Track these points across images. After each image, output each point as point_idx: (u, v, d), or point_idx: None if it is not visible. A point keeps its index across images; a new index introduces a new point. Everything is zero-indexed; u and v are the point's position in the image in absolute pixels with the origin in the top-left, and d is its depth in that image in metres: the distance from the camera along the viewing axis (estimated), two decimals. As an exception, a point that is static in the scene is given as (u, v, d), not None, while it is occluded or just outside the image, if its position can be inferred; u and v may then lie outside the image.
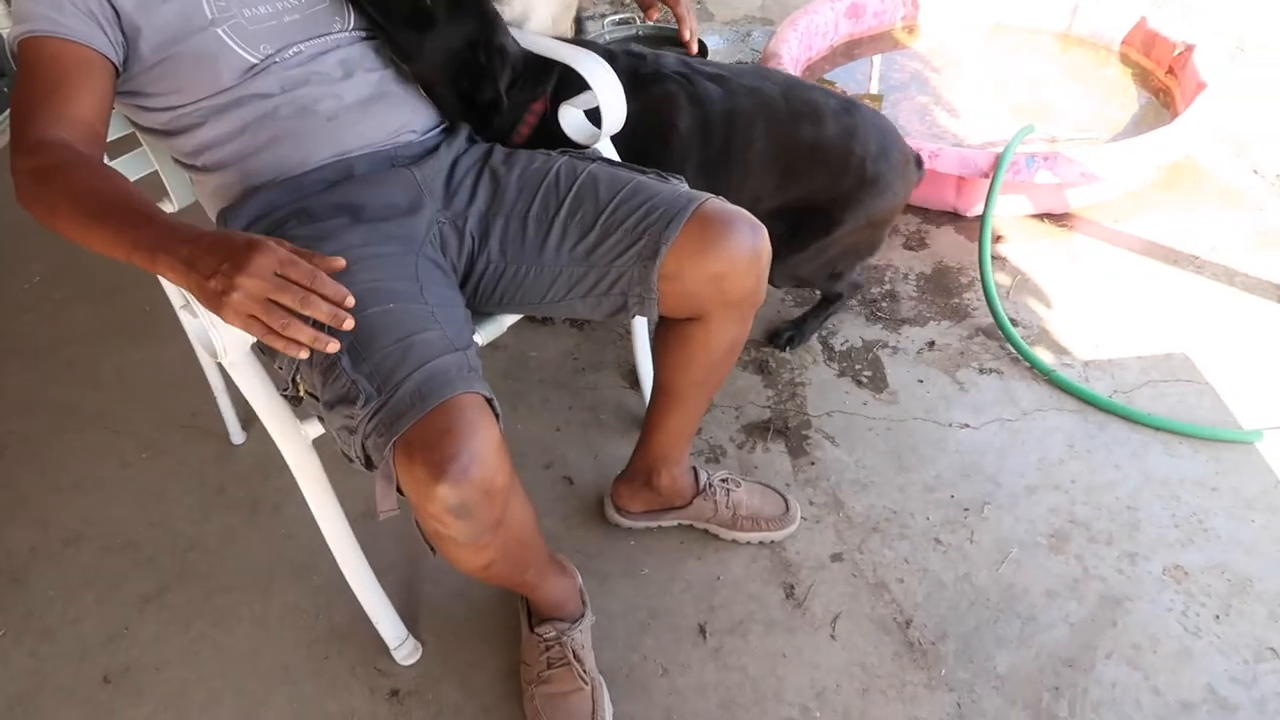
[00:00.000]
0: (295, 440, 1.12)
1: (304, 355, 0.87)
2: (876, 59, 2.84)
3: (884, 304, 2.00)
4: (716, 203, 1.18)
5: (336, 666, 1.43)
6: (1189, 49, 2.44)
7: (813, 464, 1.67)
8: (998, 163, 2.01)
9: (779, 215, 1.56)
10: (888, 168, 1.60)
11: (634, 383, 1.83)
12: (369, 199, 1.18)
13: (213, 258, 0.85)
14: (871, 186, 1.60)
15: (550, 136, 1.40)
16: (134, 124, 1.28)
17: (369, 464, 1.00)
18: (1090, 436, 1.69)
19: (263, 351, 1.11)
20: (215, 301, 0.85)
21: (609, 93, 1.33)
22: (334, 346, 0.88)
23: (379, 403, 0.96)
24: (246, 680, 1.42)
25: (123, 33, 1.13)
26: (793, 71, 2.44)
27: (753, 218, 1.19)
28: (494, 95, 1.32)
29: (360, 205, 1.17)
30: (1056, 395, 1.76)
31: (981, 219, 1.97)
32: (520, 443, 1.74)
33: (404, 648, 1.40)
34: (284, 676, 1.42)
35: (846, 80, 2.75)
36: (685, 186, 1.24)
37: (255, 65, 1.18)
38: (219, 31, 1.16)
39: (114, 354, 2.01)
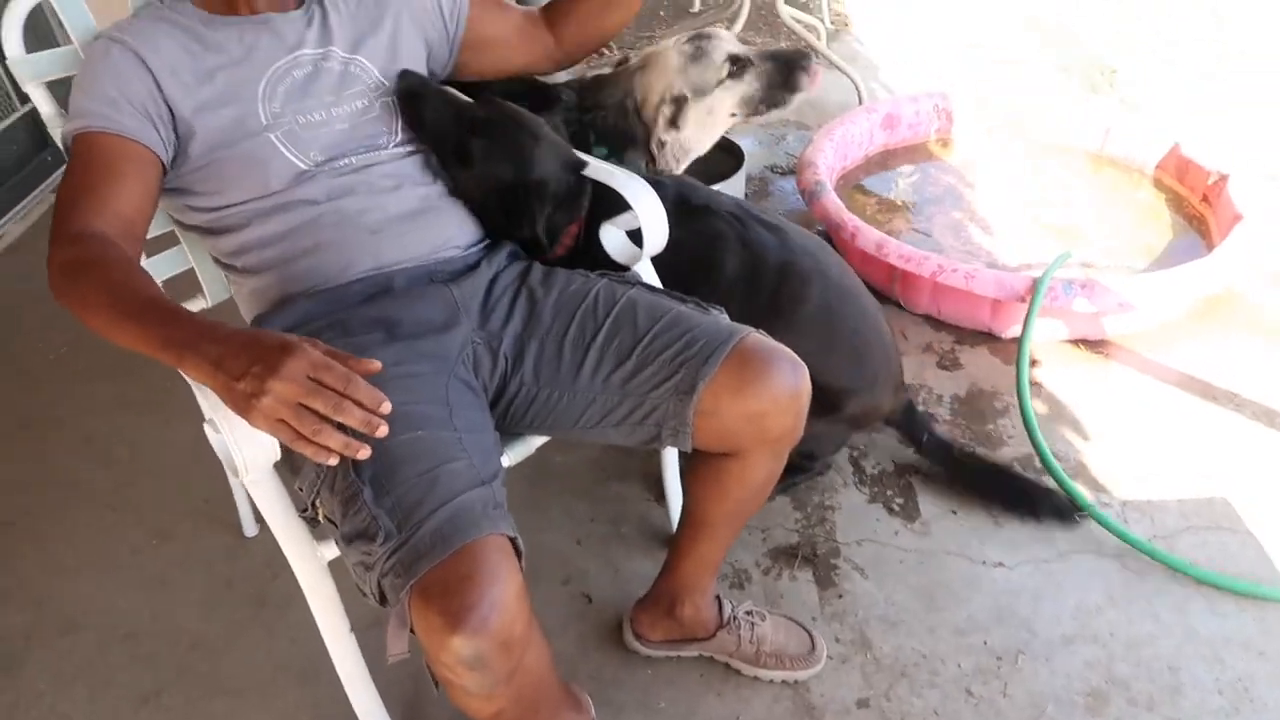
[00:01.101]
0: (310, 562, 1.08)
1: (333, 461, 0.85)
2: (907, 169, 2.86)
3: (916, 426, 1.95)
4: (757, 338, 1.16)
5: (332, 790, 1.35)
6: (1223, 179, 2.44)
7: (840, 597, 1.60)
8: (1035, 288, 1.99)
9: None
10: (899, 381, 1.70)
11: (660, 496, 1.78)
12: (405, 315, 1.16)
13: (243, 359, 0.82)
14: (884, 390, 1.66)
15: (585, 254, 1.38)
16: (175, 221, 1.28)
17: (383, 600, 0.95)
18: (1130, 585, 1.62)
19: (289, 471, 1.08)
20: (244, 404, 0.82)
21: (651, 215, 1.32)
22: (365, 453, 0.85)
23: (398, 541, 0.92)
24: (237, 800, 1.35)
25: (175, 133, 1.14)
26: (827, 181, 2.45)
27: (794, 355, 1.16)
28: (530, 232, 1.31)
29: (396, 321, 1.15)
30: (1094, 537, 1.70)
31: (1019, 347, 1.94)
32: (538, 554, 1.68)
33: (405, 774, 1.33)
34: (276, 798, 1.35)
35: (881, 189, 2.76)
36: (726, 318, 1.21)
37: (305, 171, 1.18)
38: (272, 137, 1.17)
39: (130, 431, 1.98)
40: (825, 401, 1.58)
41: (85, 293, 0.95)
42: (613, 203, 1.37)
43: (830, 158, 2.59)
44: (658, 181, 1.44)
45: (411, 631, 0.93)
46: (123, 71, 1.12)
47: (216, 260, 1.26)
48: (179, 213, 1.25)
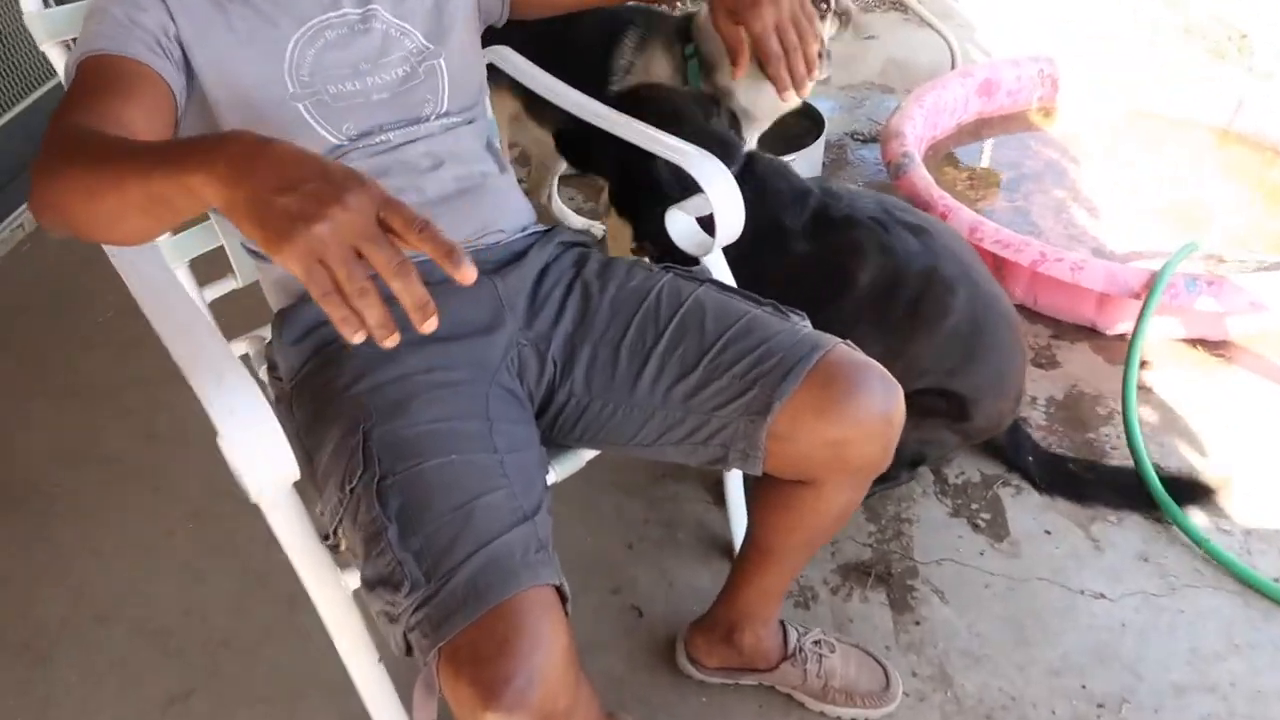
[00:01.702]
0: (333, 592, 0.97)
1: (359, 339, 0.65)
2: (1005, 140, 2.62)
3: (1007, 432, 1.76)
4: (844, 351, 1.00)
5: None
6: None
7: (918, 624, 1.45)
8: (1153, 284, 1.77)
9: (925, 393, 1.40)
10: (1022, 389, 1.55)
11: (719, 499, 1.64)
12: (441, 312, 1.02)
13: (289, 168, 0.61)
14: (1014, 400, 1.54)
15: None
16: None
17: (409, 651, 0.84)
18: (1255, 627, 1.43)
19: (312, 487, 0.96)
20: (282, 227, 0.60)
21: (725, 200, 1.16)
22: (393, 340, 0.66)
23: (426, 593, 0.80)
24: (261, 816, 1.27)
25: (187, 80, 0.99)
26: (916, 153, 2.24)
27: (886, 373, 1.00)
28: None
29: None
30: (1213, 569, 1.51)
31: (1129, 350, 1.73)
32: (587, 559, 1.57)
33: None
34: (302, 817, 1.27)
35: (974, 161, 2.53)
36: (807, 325, 1.05)
37: (337, 147, 1.05)
38: (300, 107, 1.03)
39: (175, 403, 1.91)
40: (956, 411, 1.45)
41: (57, 166, 0.74)
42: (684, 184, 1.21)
43: (920, 126, 2.38)
44: (804, 191, 1.31)
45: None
46: (135, 1, 0.98)
47: (245, 246, 1.14)
48: None
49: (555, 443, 1.10)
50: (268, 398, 1.17)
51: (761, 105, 1.78)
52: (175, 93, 0.97)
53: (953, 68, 3.01)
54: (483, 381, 1.00)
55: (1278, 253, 2.10)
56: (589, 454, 1.13)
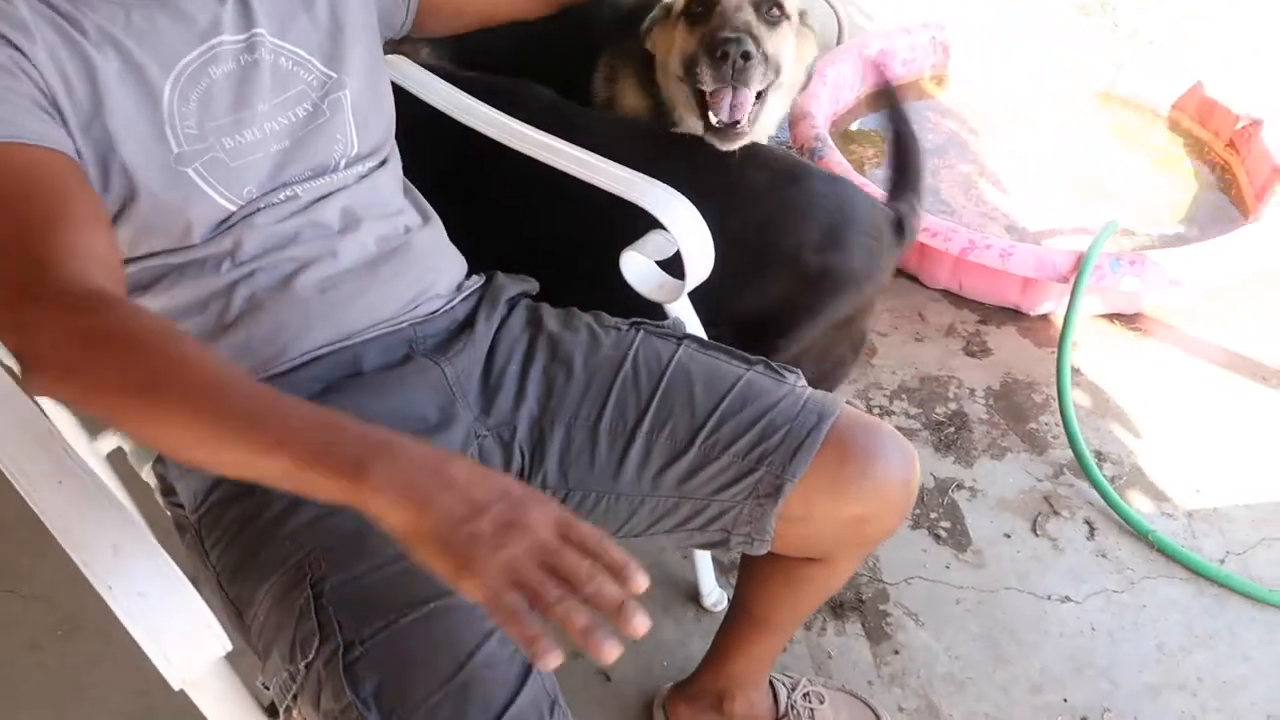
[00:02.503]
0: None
1: (554, 664, 0.55)
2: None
3: (952, 429, 1.73)
4: (853, 416, 0.89)
5: None
6: (1255, 124, 2.23)
7: (896, 653, 1.39)
8: (1080, 266, 1.76)
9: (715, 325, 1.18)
10: (841, 257, 1.20)
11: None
12: (383, 412, 0.84)
13: (478, 492, 0.57)
14: (817, 287, 1.21)
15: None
16: None
17: None
18: (1210, 615, 1.44)
19: (252, 649, 0.78)
20: (474, 553, 0.55)
21: (691, 236, 1.03)
22: (613, 654, 0.54)
23: None
24: None
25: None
26: (827, 134, 2.15)
27: (897, 433, 0.90)
28: None
29: (371, 420, 0.84)
30: (1165, 558, 1.52)
31: (1060, 340, 1.72)
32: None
33: None
34: None
35: (875, 137, 2.48)
36: (804, 384, 0.93)
37: (234, 213, 0.84)
38: (189, 172, 0.81)
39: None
40: (767, 331, 1.23)
41: (138, 378, 0.62)
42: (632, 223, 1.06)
43: (825, 105, 2.29)
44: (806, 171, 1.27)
45: None
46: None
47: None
48: None
49: (526, 538, 0.95)
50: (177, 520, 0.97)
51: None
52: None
53: (839, 38, 2.94)
54: (443, 492, 0.83)
55: (1179, 221, 2.15)
56: (564, 545, 0.98)
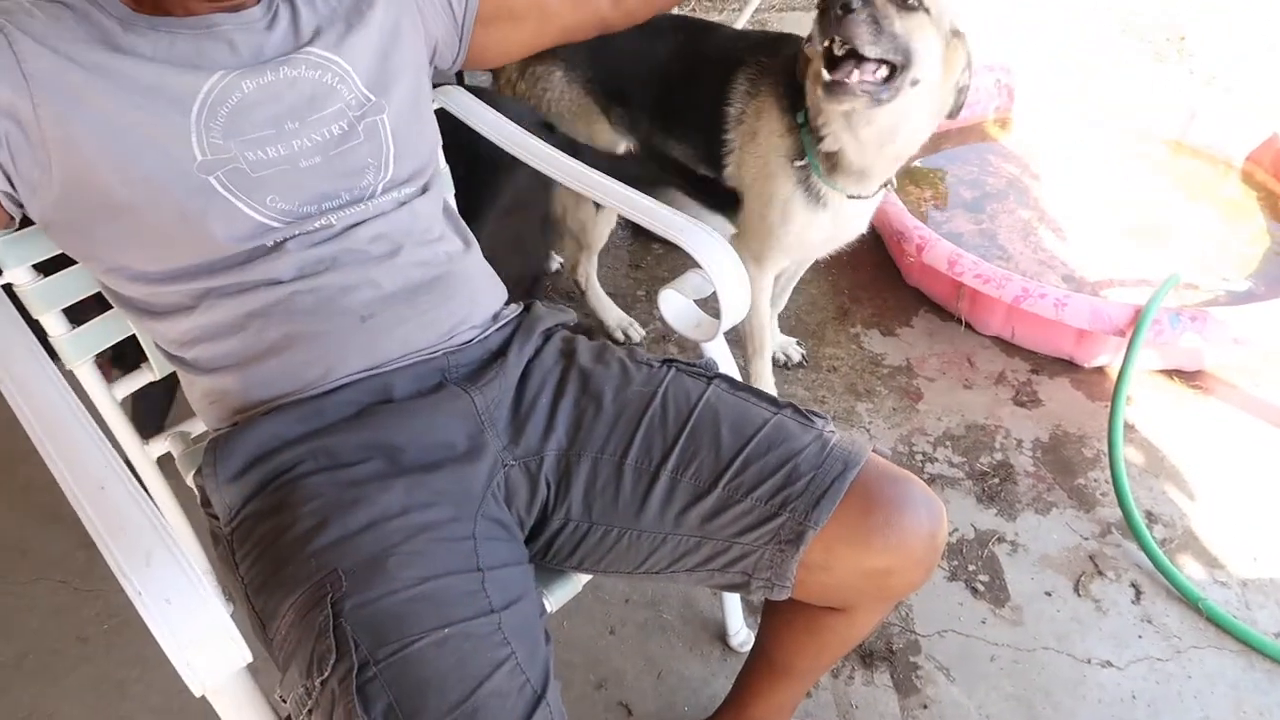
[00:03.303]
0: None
1: None
2: (963, 154, 2.54)
3: (996, 480, 1.69)
4: (879, 465, 0.88)
5: None
6: (1334, 180, 2.15)
7: (925, 707, 1.36)
8: (1138, 321, 1.71)
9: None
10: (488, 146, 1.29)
11: (702, 571, 1.52)
12: (412, 438, 0.87)
13: None
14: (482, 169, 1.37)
15: None
16: (106, 290, 0.96)
17: None
18: (1262, 691, 1.38)
19: (269, 653, 0.80)
20: None
21: (728, 277, 1.03)
22: None
23: None
24: None
25: (35, 160, 0.81)
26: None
27: (925, 486, 0.89)
28: None
29: (399, 447, 0.86)
30: (1214, 626, 1.46)
31: (1114, 397, 1.67)
32: (565, 648, 1.43)
33: None
34: None
35: (934, 178, 2.45)
36: (832, 430, 0.93)
37: (268, 229, 0.87)
38: (211, 180, 0.84)
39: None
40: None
41: None
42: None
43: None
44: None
45: None
46: None
47: (161, 349, 0.95)
48: (106, 277, 0.92)
49: (548, 568, 0.96)
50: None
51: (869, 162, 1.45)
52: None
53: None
54: (467, 519, 0.84)
55: (1246, 276, 2.08)
56: (585, 578, 0.99)
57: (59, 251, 0.99)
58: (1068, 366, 1.93)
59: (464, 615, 0.76)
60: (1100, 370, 1.91)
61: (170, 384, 1.17)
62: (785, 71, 1.45)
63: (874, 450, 0.92)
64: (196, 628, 0.69)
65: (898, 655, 1.42)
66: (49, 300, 1.02)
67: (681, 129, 1.64)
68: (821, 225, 1.51)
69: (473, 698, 0.70)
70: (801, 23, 3.54)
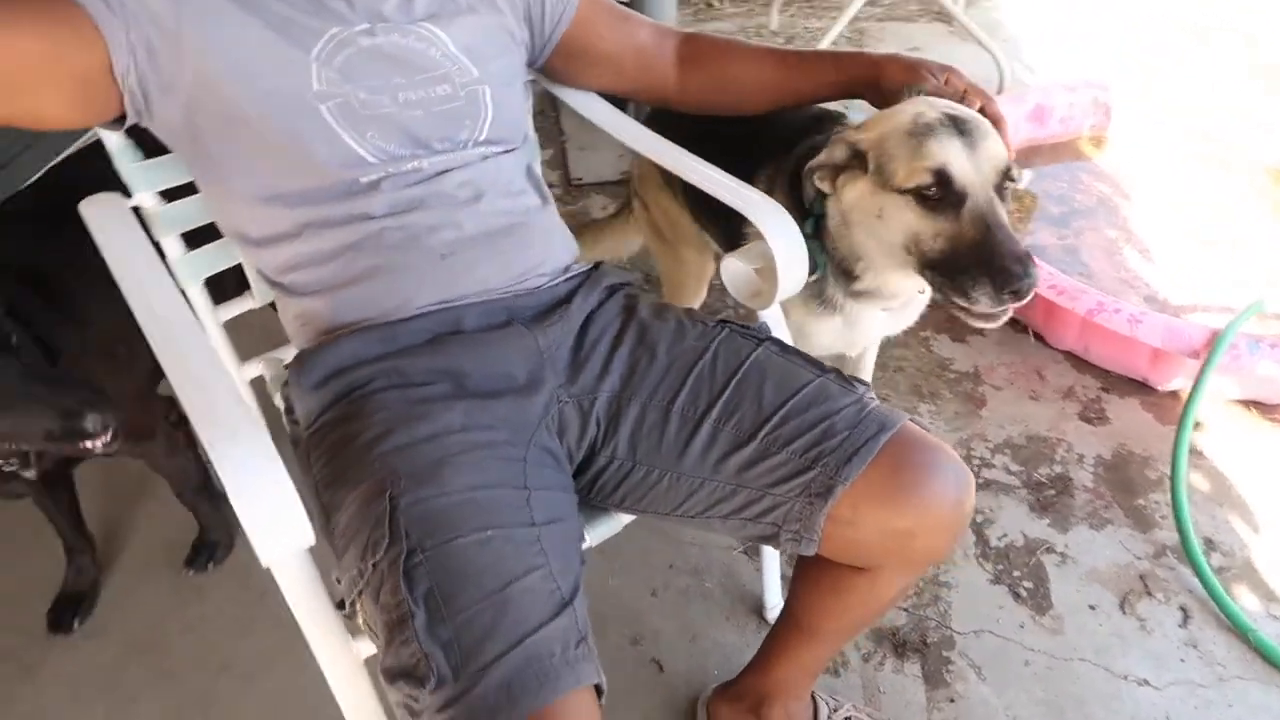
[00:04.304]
0: (345, 662, 0.89)
1: None
2: (1054, 171, 2.51)
3: (1053, 492, 1.68)
4: (912, 431, 0.92)
5: None
6: None
7: (952, 701, 1.37)
8: (1214, 343, 1.68)
9: None
10: None
11: (752, 549, 1.57)
12: (477, 366, 0.94)
13: None
14: None
15: None
16: (222, 226, 1.06)
17: None
18: (1308, 727, 1.35)
19: (329, 543, 0.88)
20: None
21: (789, 253, 1.08)
22: None
23: (454, 692, 0.72)
24: None
25: (159, 70, 0.89)
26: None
27: (956, 456, 0.92)
28: None
29: (465, 372, 0.94)
30: (1264, 658, 1.42)
31: (1182, 416, 1.64)
32: (607, 603, 1.49)
33: None
34: None
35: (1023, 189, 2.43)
36: (873, 398, 0.97)
37: (367, 164, 0.95)
38: (323, 109, 0.93)
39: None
40: None
41: None
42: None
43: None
44: None
45: None
46: None
47: (263, 275, 1.05)
48: (220, 202, 1.02)
49: (592, 504, 1.02)
50: (286, 436, 1.11)
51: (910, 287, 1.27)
52: (117, 68, 0.87)
53: (1000, 87, 2.91)
54: (520, 444, 0.91)
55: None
56: (627, 518, 1.05)
57: (182, 181, 1.10)
58: (1140, 388, 1.90)
59: (506, 522, 0.82)
60: (1174, 395, 1.87)
61: None
62: (795, 174, 1.25)
63: (914, 421, 0.95)
64: (269, 502, 0.76)
65: (931, 648, 1.44)
66: (170, 224, 1.14)
67: (711, 214, 1.47)
68: (830, 330, 1.33)
69: (505, 591, 0.76)
70: (902, 33, 3.55)
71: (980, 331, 2.04)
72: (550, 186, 2.54)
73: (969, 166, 1.05)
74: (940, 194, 1.05)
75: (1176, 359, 1.78)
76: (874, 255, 1.16)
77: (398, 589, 0.77)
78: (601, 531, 1.03)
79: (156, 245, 1.07)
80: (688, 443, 0.95)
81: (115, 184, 1.09)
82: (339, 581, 0.86)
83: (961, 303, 1.04)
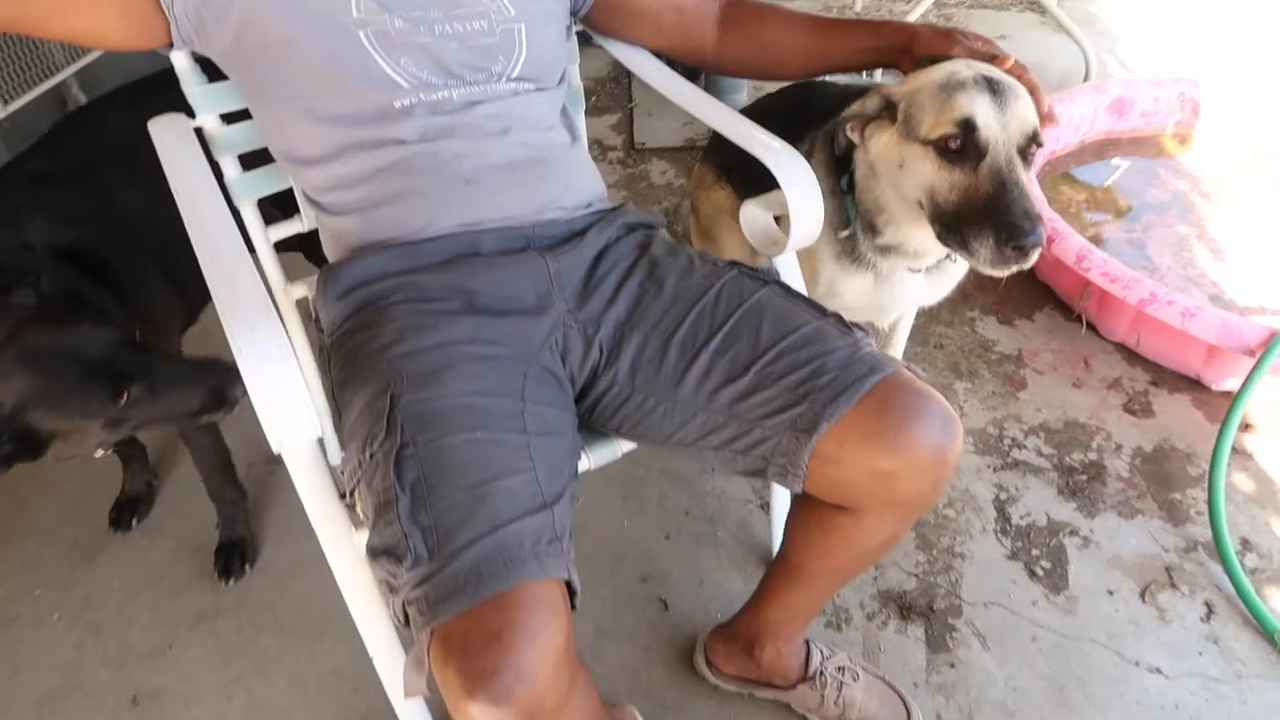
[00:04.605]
0: (346, 549, 0.96)
1: None
2: (1129, 164, 2.43)
3: (1084, 478, 1.65)
4: (904, 377, 0.93)
5: (360, 760, 1.28)
6: None
7: (952, 666, 1.37)
8: (1271, 342, 1.62)
9: None
10: None
11: (766, 502, 1.59)
12: (489, 286, 1.00)
13: None
14: None
15: None
16: (269, 139, 1.14)
17: (406, 622, 0.82)
18: (1325, 732, 1.31)
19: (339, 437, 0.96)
20: None
21: (804, 201, 1.10)
22: None
23: (427, 570, 0.78)
24: (267, 747, 1.30)
25: None
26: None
27: (946, 404, 0.93)
28: None
29: (476, 292, 0.99)
30: (1287, 661, 1.39)
31: (1230, 408, 1.59)
32: (621, 542, 1.54)
33: (434, 762, 1.24)
34: (304, 755, 1.29)
35: (1094, 182, 2.37)
36: (870, 344, 0.98)
37: (399, 87, 1.01)
38: (361, 34, 0.99)
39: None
40: None
41: None
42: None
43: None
44: None
45: None
46: None
47: (306, 195, 1.12)
48: (269, 123, 1.10)
49: (593, 429, 1.07)
50: (312, 344, 1.18)
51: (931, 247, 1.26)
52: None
53: (1086, 78, 2.83)
54: (523, 360, 0.97)
55: None
56: (627, 446, 1.09)
57: (241, 107, 1.18)
58: (1192, 385, 1.84)
59: (497, 427, 0.88)
60: (1228, 395, 1.81)
61: None
62: (834, 135, 1.28)
63: (909, 370, 0.96)
64: (280, 390, 0.84)
65: (937, 614, 1.44)
66: (228, 146, 1.22)
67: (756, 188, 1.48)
68: (860, 287, 1.34)
69: (486, 486, 0.82)
70: (990, 21, 3.47)
71: (1030, 317, 2.01)
72: (613, 150, 2.62)
73: (994, 123, 1.06)
74: (962, 146, 1.07)
75: (1232, 357, 1.73)
76: (893, 207, 1.19)
77: (388, 475, 0.83)
78: (601, 455, 1.07)
79: (215, 166, 1.16)
80: (684, 373, 0.99)
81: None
82: (343, 473, 0.93)
83: (961, 255, 1.05)
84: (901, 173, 1.13)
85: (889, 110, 1.15)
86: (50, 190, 1.33)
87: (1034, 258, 1.03)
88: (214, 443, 1.49)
